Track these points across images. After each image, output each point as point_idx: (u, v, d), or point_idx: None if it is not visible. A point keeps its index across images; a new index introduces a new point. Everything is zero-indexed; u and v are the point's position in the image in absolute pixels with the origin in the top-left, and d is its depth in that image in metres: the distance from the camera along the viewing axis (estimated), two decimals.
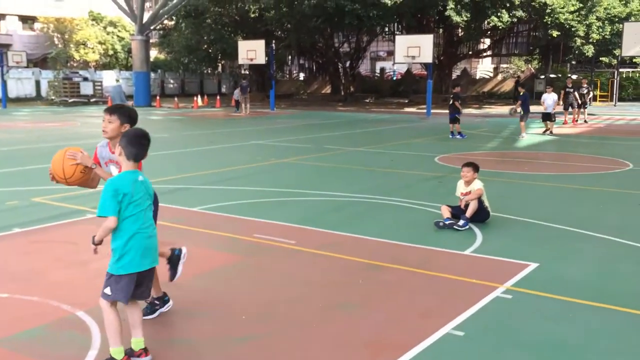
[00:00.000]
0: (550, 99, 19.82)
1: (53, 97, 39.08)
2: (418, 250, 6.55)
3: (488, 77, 52.09)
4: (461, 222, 7.27)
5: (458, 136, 18.44)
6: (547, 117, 19.79)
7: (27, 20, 53.88)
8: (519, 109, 19.20)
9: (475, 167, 7.75)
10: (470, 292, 5.20)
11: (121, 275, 3.72)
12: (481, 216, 7.55)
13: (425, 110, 30.00)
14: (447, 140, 18.17)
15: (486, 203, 7.64)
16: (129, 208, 3.72)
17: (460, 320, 4.57)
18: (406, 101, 41.90)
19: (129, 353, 3.85)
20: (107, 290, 3.75)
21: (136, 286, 3.81)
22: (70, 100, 38.15)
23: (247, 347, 4.17)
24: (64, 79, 39.43)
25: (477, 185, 7.63)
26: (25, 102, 40.09)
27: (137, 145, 3.82)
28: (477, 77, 53.05)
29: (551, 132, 19.71)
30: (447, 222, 7.33)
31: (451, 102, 18.79)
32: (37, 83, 42.35)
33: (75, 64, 49.49)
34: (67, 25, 49.93)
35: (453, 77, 44.64)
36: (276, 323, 4.57)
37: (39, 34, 52.94)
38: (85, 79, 40.85)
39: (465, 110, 30.82)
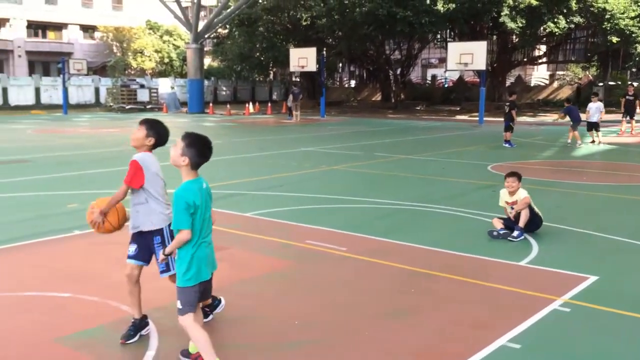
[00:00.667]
0: (594, 108, 19.25)
1: (111, 104, 40.36)
2: (471, 259, 6.44)
3: (543, 84, 50.93)
4: (516, 233, 7.12)
5: (506, 144, 18.10)
6: (592, 126, 19.22)
7: (87, 29, 55.85)
8: (563, 119, 18.99)
9: (519, 177, 7.59)
10: (527, 304, 5.08)
11: (192, 287, 3.74)
12: (535, 224, 7.37)
13: (477, 118, 29.55)
14: (501, 148, 17.82)
15: (536, 210, 7.46)
16: (197, 219, 3.72)
17: (516, 333, 4.47)
18: (458, 109, 41.38)
19: (185, 354, 3.92)
20: (180, 304, 3.77)
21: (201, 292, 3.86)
22: (127, 107, 39.32)
23: (299, 353, 4.19)
24: (121, 86, 40.68)
25: (523, 194, 7.47)
26: (85, 108, 41.54)
27: (204, 157, 3.81)
28: (532, 85, 51.92)
29: (600, 142, 19.04)
30: (501, 232, 7.20)
31: (507, 110, 18.44)
32: (97, 90, 43.83)
33: (132, 72, 51.00)
34: (125, 34, 51.54)
35: (507, 85, 43.84)
36: (327, 329, 4.58)
37: (99, 42, 54.82)
38: (142, 86, 42.02)
39: (520, 118, 30.18)
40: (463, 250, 6.71)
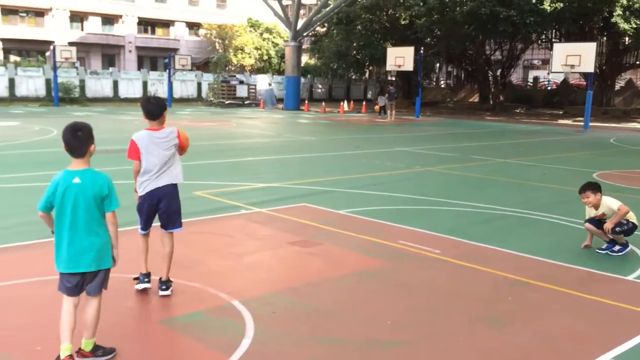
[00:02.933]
0: None
1: (212, 99, 41.89)
2: (573, 270, 6.16)
3: None
4: (617, 248, 6.69)
5: None
6: None
7: (193, 26, 58.23)
8: None
9: (592, 188, 6.81)
10: (633, 321, 4.80)
11: (59, 271, 3.75)
12: (628, 231, 6.71)
13: (582, 123, 28.14)
14: (607, 155, 16.89)
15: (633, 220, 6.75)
16: (55, 209, 3.69)
17: (620, 351, 4.23)
18: (561, 112, 39.60)
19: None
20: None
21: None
22: (226, 102, 40.64)
23: (393, 353, 4.17)
24: (222, 82, 42.10)
25: (614, 203, 6.74)
26: (188, 102, 43.36)
27: (67, 144, 3.69)
28: None
29: None
30: (604, 249, 6.76)
31: None
32: (199, 85, 45.63)
33: (232, 68, 52.65)
34: (227, 32, 53.31)
35: (616, 89, 41.41)
36: (421, 331, 4.53)
37: (203, 39, 57.02)
38: (241, 82, 43.29)
39: (629, 125, 28.51)
40: (565, 261, 6.43)
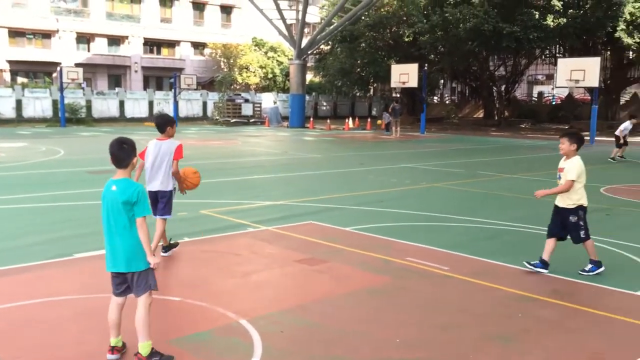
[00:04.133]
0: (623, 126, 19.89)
1: (217, 117, 42.08)
2: (582, 286, 6.11)
3: None
4: (588, 267, 6.49)
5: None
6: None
7: (198, 46, 58.65)
8: None
9: (575, 138, 6.24)
10: None
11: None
12: (576, 230, 6.36)
13: (588, 138, 28.09)
14: (614, 169, 16.83)
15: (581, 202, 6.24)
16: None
17: None
18: (566, 127, 39.57)
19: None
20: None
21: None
22: (232, 121, 40.83)
23: None
24: (227, 101, 42.32)
25: (574, 172, 6.12)
26: (193, 121, 43.58)
27: (112, 152, 4.08)
28: None
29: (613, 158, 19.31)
30: (532, 265, 6.51)
31: None
32: (204, 104, 45.87)
33: (237, 87, 52.93)
34: (232, 51, 53.64)
35: (621, 103, 41.42)
36: (431, 350, 4.50)
37: (208, 59, 57.40)
38: (246, 101, 43.50)
39: (635, 139, 28.42)
40: (574, 277, 6.38)
